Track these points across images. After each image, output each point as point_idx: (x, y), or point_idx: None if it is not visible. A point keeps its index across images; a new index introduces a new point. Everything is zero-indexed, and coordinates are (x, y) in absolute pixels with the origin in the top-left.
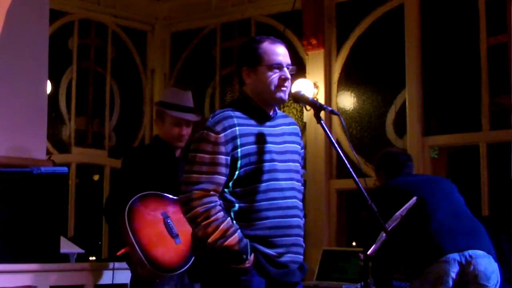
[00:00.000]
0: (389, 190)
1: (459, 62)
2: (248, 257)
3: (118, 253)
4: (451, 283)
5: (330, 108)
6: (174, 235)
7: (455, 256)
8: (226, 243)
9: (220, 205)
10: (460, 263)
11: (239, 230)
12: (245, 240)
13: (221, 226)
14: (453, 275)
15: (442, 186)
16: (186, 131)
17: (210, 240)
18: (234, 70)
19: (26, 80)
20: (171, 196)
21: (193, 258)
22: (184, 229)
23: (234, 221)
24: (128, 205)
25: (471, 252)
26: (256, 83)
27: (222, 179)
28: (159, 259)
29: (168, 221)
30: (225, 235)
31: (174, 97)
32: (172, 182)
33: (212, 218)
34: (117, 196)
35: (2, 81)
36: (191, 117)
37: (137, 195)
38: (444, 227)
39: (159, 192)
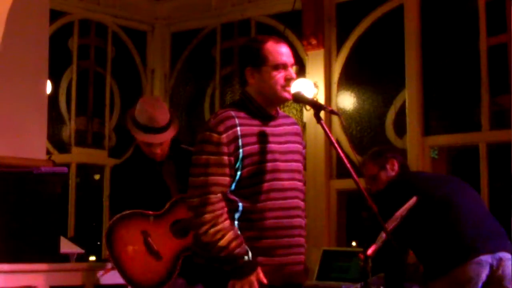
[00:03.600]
0: (410, 185)
1: (459, 62)
2: (252, 271)
3: (102, 275)
4: (480, 285)
5: (330, 108)
6: (154, 253)
7: (488, 258)
8: (231, 253)
9: (226, 212)
10: (491, 266)
11: (244, 244)
12: (249, 256)
13: (227, 235)
14: (484, 277)
15: (461, 186)
16: (157, 149)
17: (215, 249)
18: (234, 70)
19: (26, 80)
20: (151, 212)
21: (176, 271)
22: (165, 244)
23: (237, 222)
24: (107, 228)
25: (500, 254)
26: (260, 83)
27: (227, 180)
28: (142, 279)
29: (148, 239)
30: (230, 245)
31: (143, 115)
32: (160, 189)
33: (219, 227)
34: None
35: (2, 81)
36: (158, 138)
37: (115, 217)
38: (473, 228)
39: (139, 210)
